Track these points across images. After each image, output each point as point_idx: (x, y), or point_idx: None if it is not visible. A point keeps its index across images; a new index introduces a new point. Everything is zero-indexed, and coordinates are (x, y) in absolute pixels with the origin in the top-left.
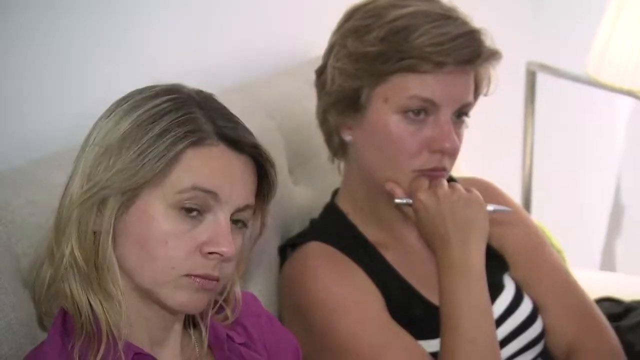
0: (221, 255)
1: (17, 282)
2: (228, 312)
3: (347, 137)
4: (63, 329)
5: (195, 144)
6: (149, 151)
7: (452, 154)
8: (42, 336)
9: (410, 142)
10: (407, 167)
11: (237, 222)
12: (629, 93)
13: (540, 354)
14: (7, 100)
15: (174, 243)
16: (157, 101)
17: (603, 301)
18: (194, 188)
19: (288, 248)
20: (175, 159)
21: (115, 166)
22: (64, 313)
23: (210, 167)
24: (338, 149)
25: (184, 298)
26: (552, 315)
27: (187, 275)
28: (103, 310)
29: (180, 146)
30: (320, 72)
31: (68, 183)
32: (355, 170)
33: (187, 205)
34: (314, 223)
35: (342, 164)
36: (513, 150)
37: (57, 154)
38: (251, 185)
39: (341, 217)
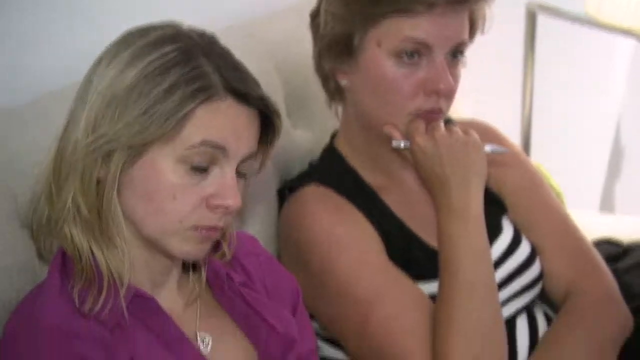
0: (227, 207)
1: (15, 224)
2: (225, 248)
3: (343, 82)
4: (62, 269)
5: (204, 101)
6: (157, 108)
7: (448, 95)
8: (42, 278)
9: (405, 85)
10: (403, 109)
11: (240, 172)
12: (629, 32)
13: (538, 297)
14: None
15: (181, 197)
16: (163, 50)
17: (601, 243)
18: (203, 144)
19: (287, 191)
20: (184, 117)
21: (122, 120)
22: (63, 254)
23: (219, 123)
24: (334, 93)
25: (190, 248)
26: (549, 257)
27: (194, 227)
28: (104, 258)
29: (191, 105)
30: (315, 16)
31: (68, 126)
32: (352, 115)
33: (196, 161)
34: (313, 166)
35: (339, 108)
36: (513, 92)
37: (56, 93)
38: (255, 134)
39: (340, 160)
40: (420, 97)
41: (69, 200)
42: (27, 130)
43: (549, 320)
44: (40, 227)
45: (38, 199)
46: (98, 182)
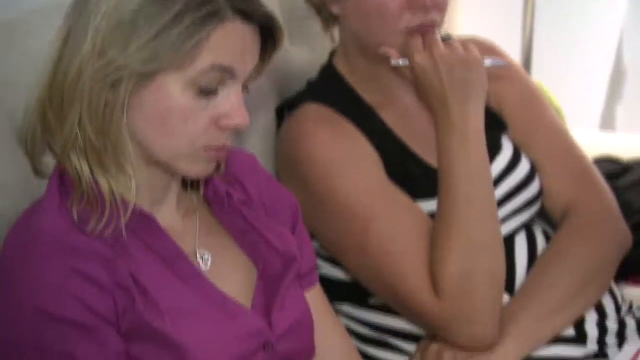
0: (237, 126)
1: (12, 140)
2: (221, 163)
3: (335, 10)
4: (61, 188)
5: (216, 26)
6: (167, 34)
7: (437, 5)
8: (40, 193)
9: (391, 5)
10: (394, 28)
11: (243, 87)
12: None
13: (537, 214)
14: None
15: (192, 119)
16: None
17: (601, 160)
18: (213, 68)
19: (286, 109)
20: (197, 44)
21: (131, 45)
22: (61, 173)
23: (227, 45)
24: (328, 20)
25: (199, 168)
26: (549, 175)
27: (205, 148)
28: (109, 184)
29: (202, 31)
30: None
31: (67, 45)
32: (348, 38)
33: (204, 83)
34: (311, 84)
35: (335, 32)
36: (514, 8)
37: (54, 3)
38: (258, 51)
39: (339, 78)
40: (407, 14)
41: (75, 126)
42: (25, 43)
43: (547, 237)
44: (34, 145)
45: (31, 114)
46: (105, 106)
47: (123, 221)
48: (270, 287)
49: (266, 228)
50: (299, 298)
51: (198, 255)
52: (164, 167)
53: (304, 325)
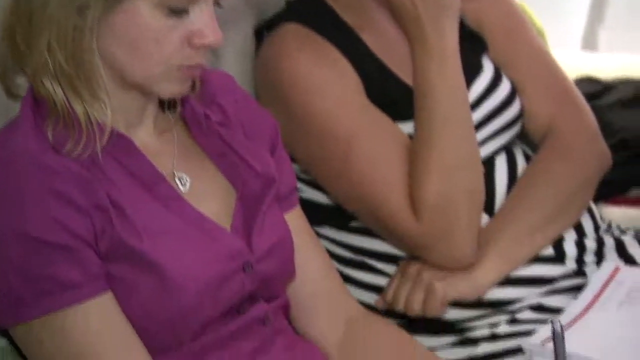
0: (210, 44)
1: None
2: (196, 81)
3: None
4: (35, 109)
5: None
6: None
7: None
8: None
9: None
10: None
11: (215, 3)
12: None
13: (517, 136)
14: None
15: (164, 40)
16: None
17: (582, 81)
18: None
19: (264, 30)
20: None
21: None
22: (35, 95)
23: None
24: None
25: (174, 88)
26: (529, 96)
27: (179, 67)
28: (84, 108)
29: None
30: None
31: None
32: None
33: (174, 3)
34: (290, 4)
35: None
36: None
37: None
38: None
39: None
40: None
41: (45, 52)
42: None
43: (528, 159)
44: (6, 70)
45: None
46: (74, 31)
47: (99, 144)
48: (249, 209)
49: (245, 149)
50: (279, 220)
51: (176, 177)
52: (139, 89)
53: (284, 247)
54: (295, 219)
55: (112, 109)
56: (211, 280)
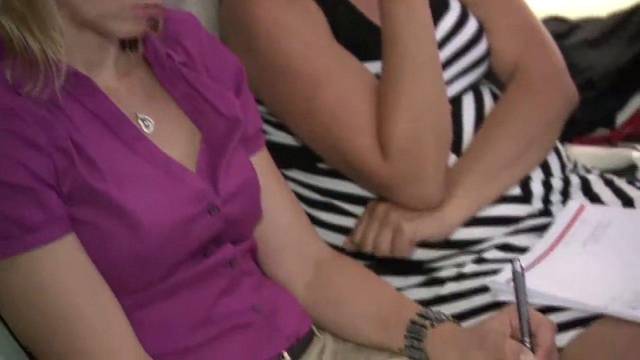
0: None
1: None
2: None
3: None
4: None
5: None
6: None
7: None
8: None
9: None
10: None
11: None
12: None
13: (485, 75)
14: None
15: None
16: None
17: (549, 20)
18: None
19: None
20: None
21: None
22: None
23: None
24: None
25: (129, 27)
26: (497, 34)
27: (133, 6)
28: (40, 46)
29: None
30: None
31: None
32: None
33: None
34: None
35: None
36: None
37: None
38: None
39: None
40: None
41: None
42: None
43: (495, 98)
44: None
45: None
46: None
47: (57, 83)
48: (214, 150)
49: (209, 91)
50: (245, 162)
51: (139, 119)
52: (94, 28)
53: (250, 188)
54: (262, 161)
55: (68, 48)
56: (177, 223)
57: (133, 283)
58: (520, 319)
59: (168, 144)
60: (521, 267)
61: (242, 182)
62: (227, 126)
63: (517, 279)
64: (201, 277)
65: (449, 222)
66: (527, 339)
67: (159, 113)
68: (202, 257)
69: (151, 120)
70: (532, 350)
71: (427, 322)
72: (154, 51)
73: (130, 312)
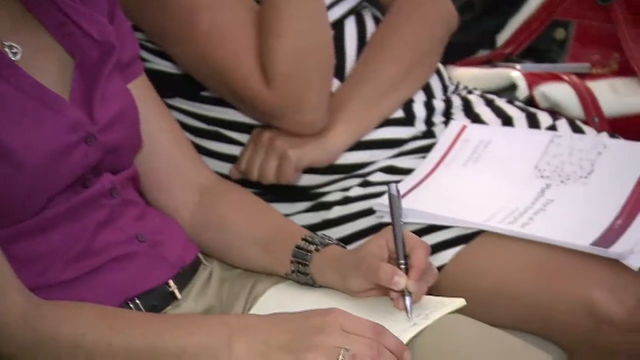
0: None
1: None
2: None
3: None
4: None
5: None
6: None
7: None
8: None
9: None
10: None
11: None
12: None
13: None
14: None
15: None
16: None
17: None
18: None
19: None
20: None
21: None
22: None
23: None
24: None
25: None
26: None
27: None
28: None
29: None
30: None
31: None
32: None
33: None
34: None
35: None
36: None
37: None
38: None
39: None
40: None
41: None
42: None
43: (377, 22)
44: None
45: None
46: None
47: None
48: (89, 78)
49: (81, 16)
50: (122, 89)
51: (6, 47)
52: None
53: (128, 117)
54: (140, 88)
55: None
56: (52, 153)
57: (9, 216)
58: (395, 241)
59: (39, 73)
60: (397, 190)
61: (119, 110)
62: (101, 52)
63: (393, 202)
64: (80, 208)
65: (334, 147)
66: (402, 261)
67: (28, 40)
68: (81, 187)
69: (19, 48)
70: (407, 271)
71: (312, 247)
72: None
73: (5, 246)
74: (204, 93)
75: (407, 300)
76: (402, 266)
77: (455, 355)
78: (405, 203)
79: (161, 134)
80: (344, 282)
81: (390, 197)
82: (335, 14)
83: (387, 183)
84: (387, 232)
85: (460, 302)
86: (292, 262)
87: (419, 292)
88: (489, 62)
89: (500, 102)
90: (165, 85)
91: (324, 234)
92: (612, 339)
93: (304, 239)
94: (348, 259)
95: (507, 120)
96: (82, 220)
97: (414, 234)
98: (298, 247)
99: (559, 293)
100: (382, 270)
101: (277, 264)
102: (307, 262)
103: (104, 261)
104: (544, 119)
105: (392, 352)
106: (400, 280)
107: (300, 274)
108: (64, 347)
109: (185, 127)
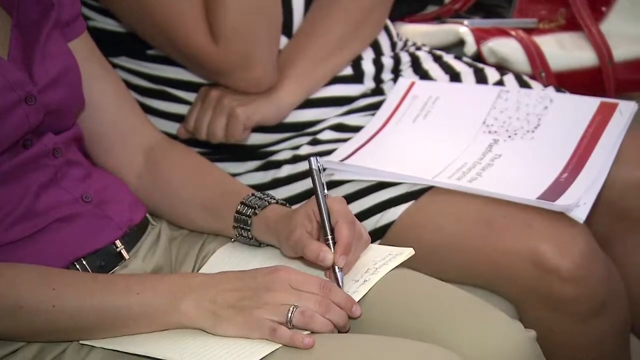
0: None
1: None
2: None
3: None
4: None
5: None
6: None
7: None
8: None
9: None
10: None
11: None
12: None
13: None
14: None
15: None
16: None
17: None
18: None
19: None
20: None
21: None
22: None
23: None
24: None
25: None
26: None
27: None
28: None
29: None
30: None
31: None
32: None
33: None
34: None
35: None
36: None
37: None
38: None
39: None
40: None
41: None
42: None
43: None
44: None
45: None
46: None
47: None
48: (28, 37)
49: None
50: (62, 48)
51: None
52: None
53: (70, 76)
54: (82, 47)
55: None
56: None
57: None
58: (320, 216)
59: None
60: (318, 164)
61: (60, 69)
62: (40, 10)
63: (315, 176)
64: (21, 169)
65: (283, 104)
66: (329, 236)
67: None
68: (22, 148)
69: None
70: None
71: (250, 211)
72: None
73: None
74: (150, 51)
75: (338, 274)
76: (329, 241)
77: (404, 309)
78: (355, 160)
79: (104, 93)
80: (281, 247)
81: (312, 171)
82: None
83: (336, 141)
84: (314, 201)
85: (409, 252)
86: (234, 227)
87: (349, 264)
88: (438, 18)
89: (448, 58)
90: (110, 44)
91: (266, 193)
92: (558, 290)
93: (243, 202)
94: (281, 226)
95: (455, 76)
96: (24, 181)
97: (339, 208)
98: (238, 212)
99: (506, 246)
100: (307, 249)
101: (223, 229)
102: (248, 227)
103: (48, 222)
104: (492, 74)
105: (341, 307)
106: (327, 257)
107: (244, 237)
108: (4, 309)
109: (132, 86)
